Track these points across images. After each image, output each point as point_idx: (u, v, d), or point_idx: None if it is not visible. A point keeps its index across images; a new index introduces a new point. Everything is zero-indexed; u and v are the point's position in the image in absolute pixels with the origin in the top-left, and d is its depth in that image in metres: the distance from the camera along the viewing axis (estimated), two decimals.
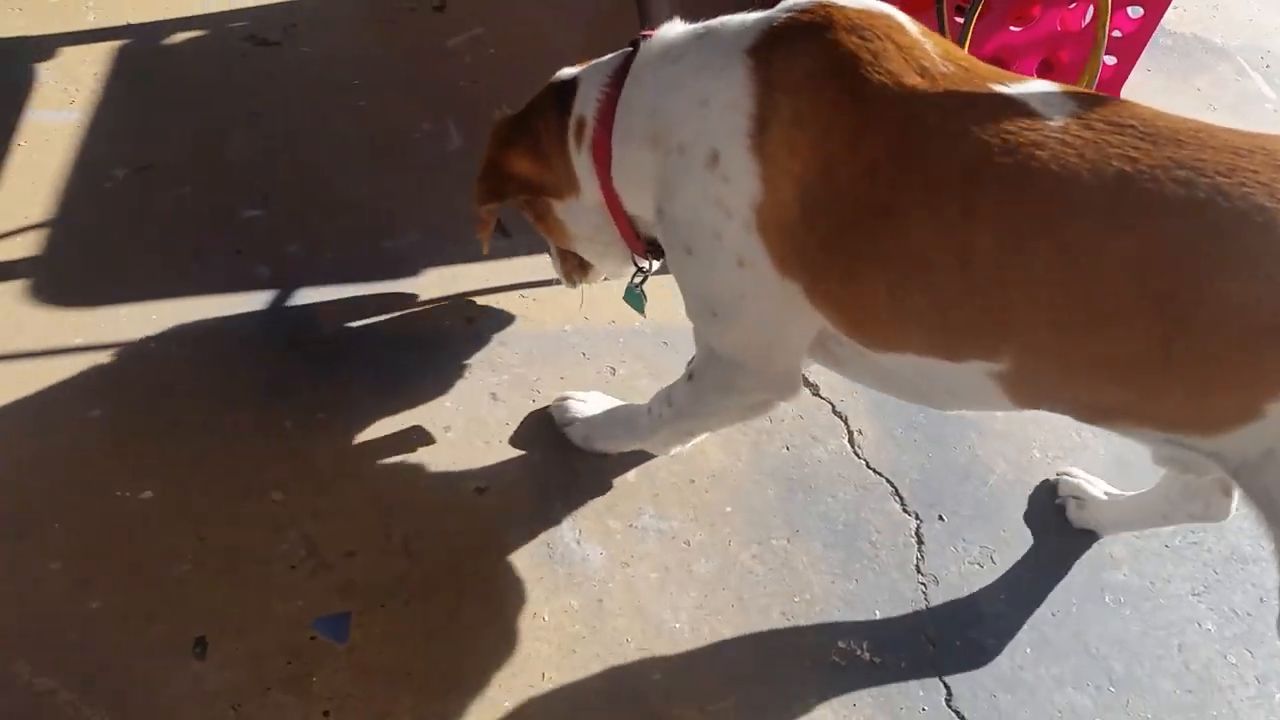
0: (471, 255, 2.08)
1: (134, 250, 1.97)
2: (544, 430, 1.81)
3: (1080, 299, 1.15)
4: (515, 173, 1.57)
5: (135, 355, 1.80)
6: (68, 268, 1.92)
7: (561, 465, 1.77)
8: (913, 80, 1.23)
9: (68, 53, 2.33)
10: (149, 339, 1.83)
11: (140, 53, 2.37)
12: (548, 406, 1.84)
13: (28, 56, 2.30)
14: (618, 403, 1.80)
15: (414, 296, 1.99)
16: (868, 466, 1.87)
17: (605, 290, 2.03)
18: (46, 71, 2.28)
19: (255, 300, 1.92)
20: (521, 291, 2.04)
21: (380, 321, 1.94)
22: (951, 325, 1.24)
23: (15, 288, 1.87)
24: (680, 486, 1.78)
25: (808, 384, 1.98)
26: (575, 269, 1.80)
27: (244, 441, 1.71)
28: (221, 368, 1.81)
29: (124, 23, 2.44)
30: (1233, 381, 1.14)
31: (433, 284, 2.02)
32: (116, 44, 2.38)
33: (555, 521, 1.70)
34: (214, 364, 1.81)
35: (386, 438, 1.76)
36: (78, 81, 2.26)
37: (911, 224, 1.21)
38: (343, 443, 1.74)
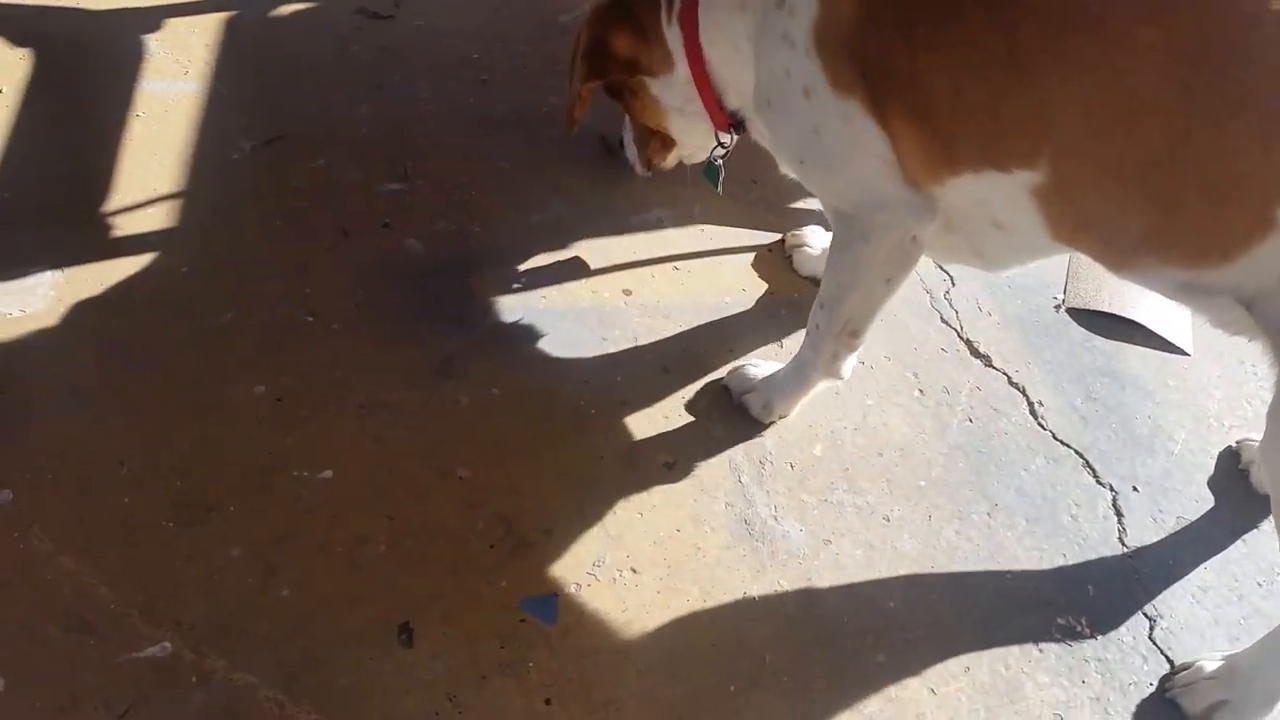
0: (620, 227, 1.99)
1: (275, 224, 1.87)
2: (718, 402, 1.73)
3: (1110, 89, 1.20)
4: (616, 51, 1.64)
5: (291, 330, 1.70)
6: (207, 241, 1.82)
7: (744, 438, 1.69)
8: None
9: (175, 24, 2.23)
10: (305, 312, 1.73)
11: (249, 25, 2.27)
12: (722, 378, 1.75)
13: (135, 28, 2.20)
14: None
15: (570, 269, 1.89)
16: (1055, 438, 1.79)
17: (773, 261, 1.96)
18: (156, 43, 2.18)
19: (412, 275, 1.83)
20: (674, 264, 1.96)
21: (538, 295, 1.85)
22: (1001, 122, 1.29)
23: (153, 263, 1.77)
24: (869, 459, 1.70)
25: (978, 354, 1.90)
26: (656, 150, 1.86)
27: (419, 419, 1.62)
28: (385, 344, 1.71)
29: None
30: (1246, 180, 1.19)
31: (584, 256, 1.93)
32: (224, 15, 2.28)
33: (748, 497, 1.61)
34: (376, 340, 1.71)
35: (563, 412, 1.67)
36: (189, 53, 2.16)
37: (966, 9, 1.27)
38: (520, 418, 1.65)
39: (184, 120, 2.02)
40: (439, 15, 2.40)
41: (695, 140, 1.80)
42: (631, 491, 1.58)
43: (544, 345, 1.76)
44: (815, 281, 1.94)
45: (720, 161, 1.80)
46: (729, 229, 2.04)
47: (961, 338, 1.93)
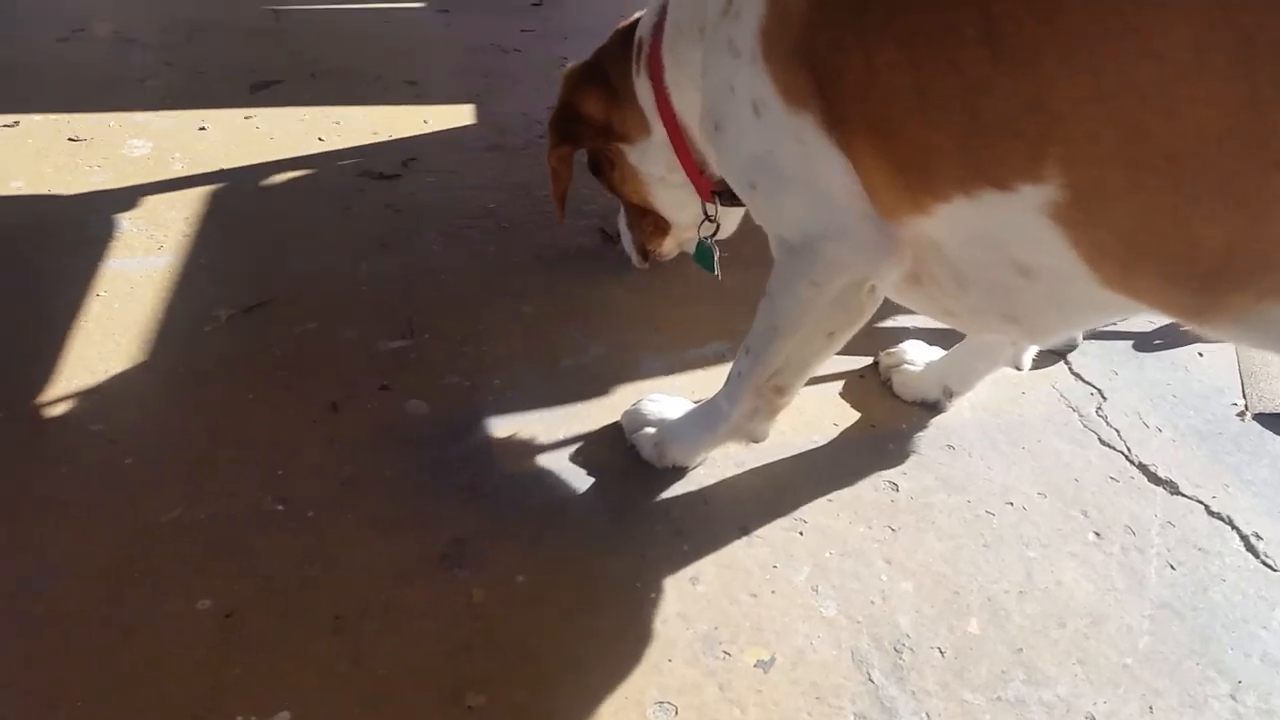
0: (672, 366, 1.61)
1: (247, 398, 1.51)
2: (829, 566, 1.27)
3: (1131, 59, 0.86)
4: (588, 114, 1.52)
5: (254, 523, 1.30)
6: (160, 426, 1.46)
7: (868, 618, 1.22)
8: None
9: (153, 201, 1.98)
10: (273, 500, 1.34)
11: (237, 195, 2.02)
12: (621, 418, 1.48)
13: (107, 209, 1.95)
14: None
15: (614, 420, 1.50)
16: None
17: (864, 390, 1.55)
18: (129, 221, 1.92)
19: (414, 442, 1.44)
20: None
21: (573, 453, 1.44)
22: (986, 123, 0.96)
23: (90, 456, 1.40)
24: (1047, 633, 1.21)
25: (1159, 480, 1.43)
26: (650, 235, 1.70)
27: (417, 625, 1.18)
28: (375, 530, 1.30)
29: (216, 168, 2.10)
30: None
31: (629, 402, 1.53)
32: (209, 189, 2.03)
33: (887, 703, 1.13)
34: (364, 526, 1.31)
35: (612, 600, 1.22)
36: (166, 228, 1.90)
37: None
38: (554, 613, 1.20)
39: (152, 295, 1.71)
40: (452, 170, 2.14)
41: (688, 216, 1.59)
42: (715, 707, 1.11)
43: (584, 515, 1.34)
44: (925, 405, 1.52)
45: (711, 240, 1.54)
46: None
47: (1132, 461, 1.47)
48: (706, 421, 1.37)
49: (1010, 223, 1.00)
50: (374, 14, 2.93)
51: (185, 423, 1.47)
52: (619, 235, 1.78)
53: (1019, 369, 1.49)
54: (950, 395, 1.51)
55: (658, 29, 1.39)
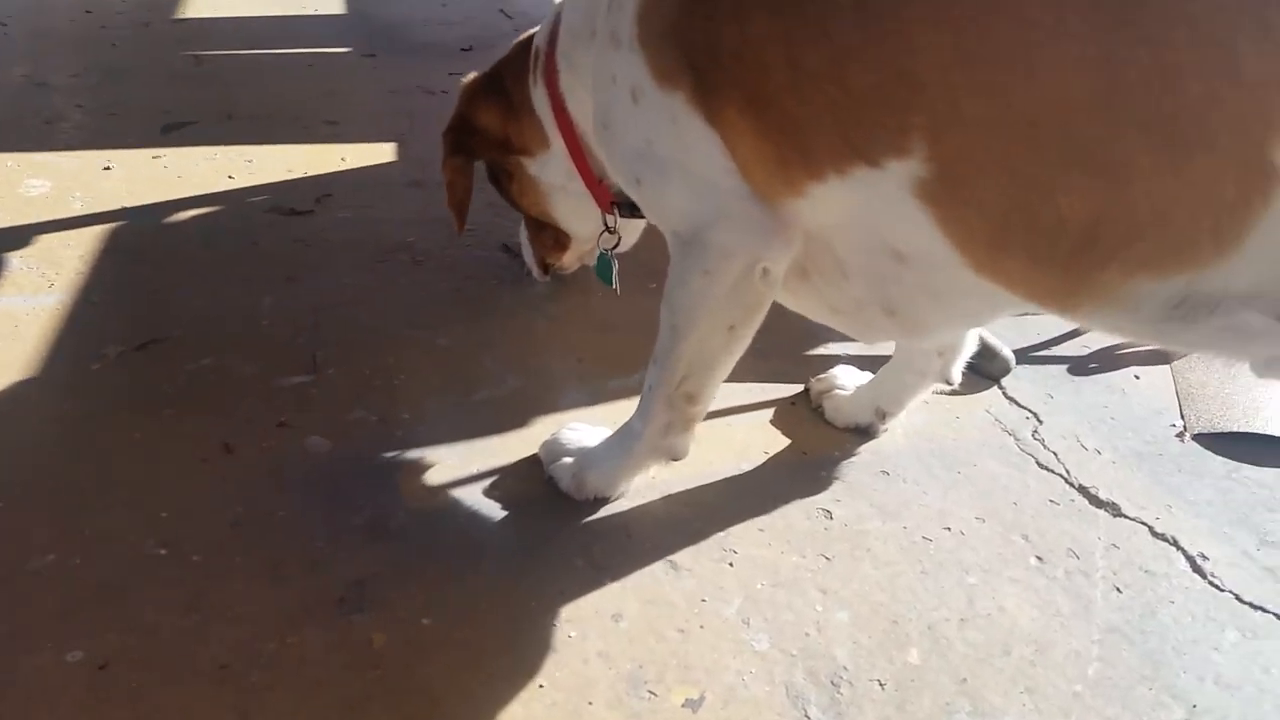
0: (596, 396, 1.53)
1: (132, 438, 1.40)
2: (761, 600, 1.19)
3: (991, 17, 0.85)
4: (483, 126, 1.49)
5: (133, 570, 1.19)
6: (31, 470, 1.34)
7: (803, 650, 1.13)
8: None
9: (47, 239, 1.87)
10: (156, 544, 1.23)
11: (138, 233, 1.92)
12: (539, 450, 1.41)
13: None
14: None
15: (533, 453, 1.41)
16: (1240, 600, 1.25)
17: (795, 417, 1.48)
18: (19, 260, 1.80)
19: (312, 481, 1.34)
20: None
21: (488, 488, 1.35)
22: (854, 94, 0.94)
23: None
24: (992, 661, 1.14)
25: (1100, 502, 1.38)
26: (549, 248, 1.65)
27: (310, 673, 1.07)
28: (267, 574, 1.19)
29: (118, 207, 2.00)
30: (1225, 112, 0.78)
31: (550, 433, 1.44)
32: (109, 226, 1.92)
33: None
34: (255, 570, 1.20)
35: (529, 641, 1.12)
36: (58, 265, 1.78)
37: None
38: (463, 658, 1.10)
39: (38, 335, 1.60)
40: (369, 206, 2.06)
41: (588, 228, 1.54)
42: None
43: (498, 552, 1.25)
44: (858, 430, 1.45)
45: (611, 253, 1.49)
46: (736, 384, 1.56)
47: (1072, 484, 1.42)
48: (623, 445, 1.30)
49: (881, 202, 0.99)
50: (297, 59, 2.87)
51: (64, 466, 1.35)
52: (512, 248, 1.79)
53: (949, 383, 1.43)
54: (883, 417, 1.45)
55: (553, 36, 1.35)
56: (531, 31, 1.46)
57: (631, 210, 1.40)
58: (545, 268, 1.69)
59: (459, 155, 1.52)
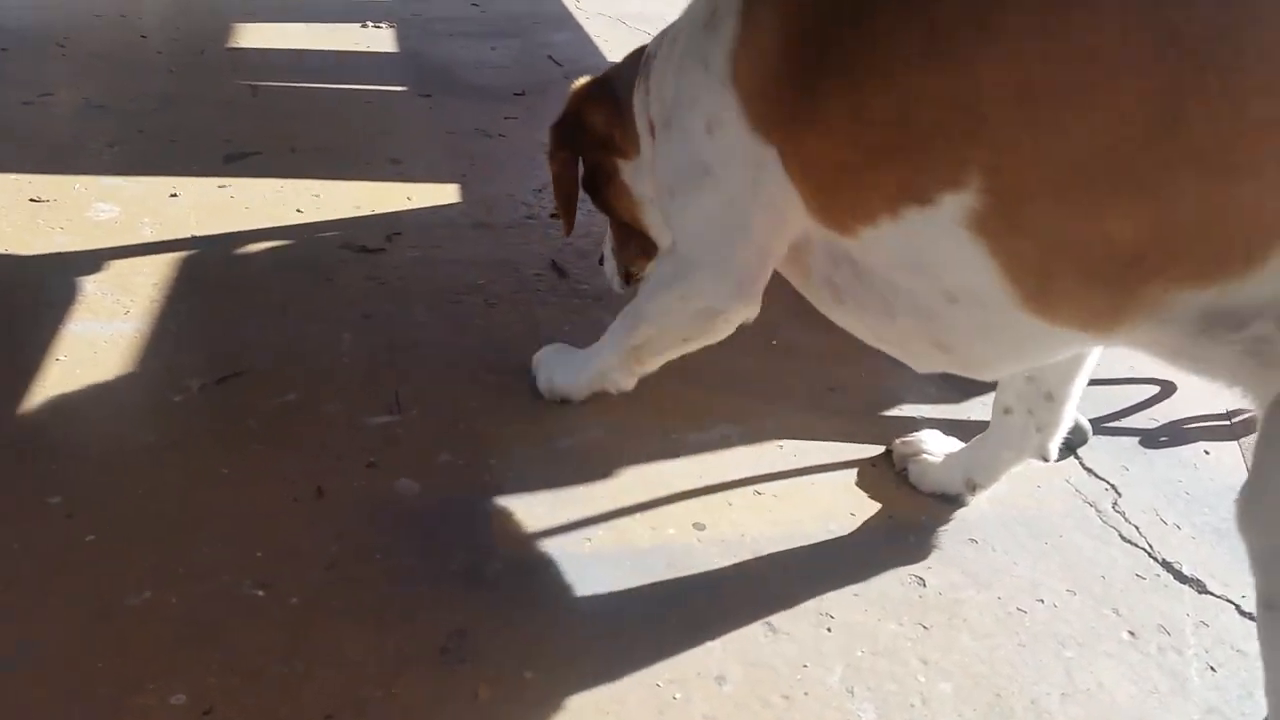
0: (676, 449, 1.53)
1: (221, 473, 1.39)
2: (858, 660, 1.18)
3: (1053, 53, 0.91)
4: (590, 124, 1.52)
5: (232, 610, 1.18)
6: (124, 501, 1.34)
7: (904, 719, 1.12)
8: None
9: (119, 265, 1.88)
10: (253, 585, 1.22)
11: (210, 263, 1.92)
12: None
13: (70, 271, 1.83)
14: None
15: (622, 505, 1.41)
16: None
17: (879, 478, 1.49)
18: (93, 285, 1.80)
19: (403, 525, 1.33)
20: (755, 488, 1.47)
21: (580, 537, 1.35)
22: (914, 132, 1.00)
23: (47, 531, 1.27)
24: None
25: (1184, 578, 1.38)
26: (635, 257, 1.65)
27: None
28: (368, 619, 1.18)
29: (188, 235, 2.00)
30: (1260, 139, 0.83)
31: (635, 486, 1.45)
32: (180, 254, 1.93)
33: None
34: (355, 615, 1.19)
35: (632, 701, 1.11)
36: (132, 292, 1.79)
37: (878, 13, 1.03)
38: (567, 716, 1.09)
39: (117, 362, 1.60)
40: (438, 246, 2.06)
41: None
42: None
43: (594, 605, 1.24)
44: (945, 498, 1.45)
45: None
46: (814, 443, 1.57)
47: (1155, 558, 1.42)
48: (584, 364, 1.54)
49: (931, 237, 1.02)
50: (353, 94, 2.89)
51: (152, 498, 1.34)
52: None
53: (1046, 460, 1.43)
54: (974, 488, 1.45)
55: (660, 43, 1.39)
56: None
57: None
58: (628, 277, 1.69)
59: (566, 149, 1.55)
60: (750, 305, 1.31)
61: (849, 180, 1.09)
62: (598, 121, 1.51)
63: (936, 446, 1.51)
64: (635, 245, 1.63)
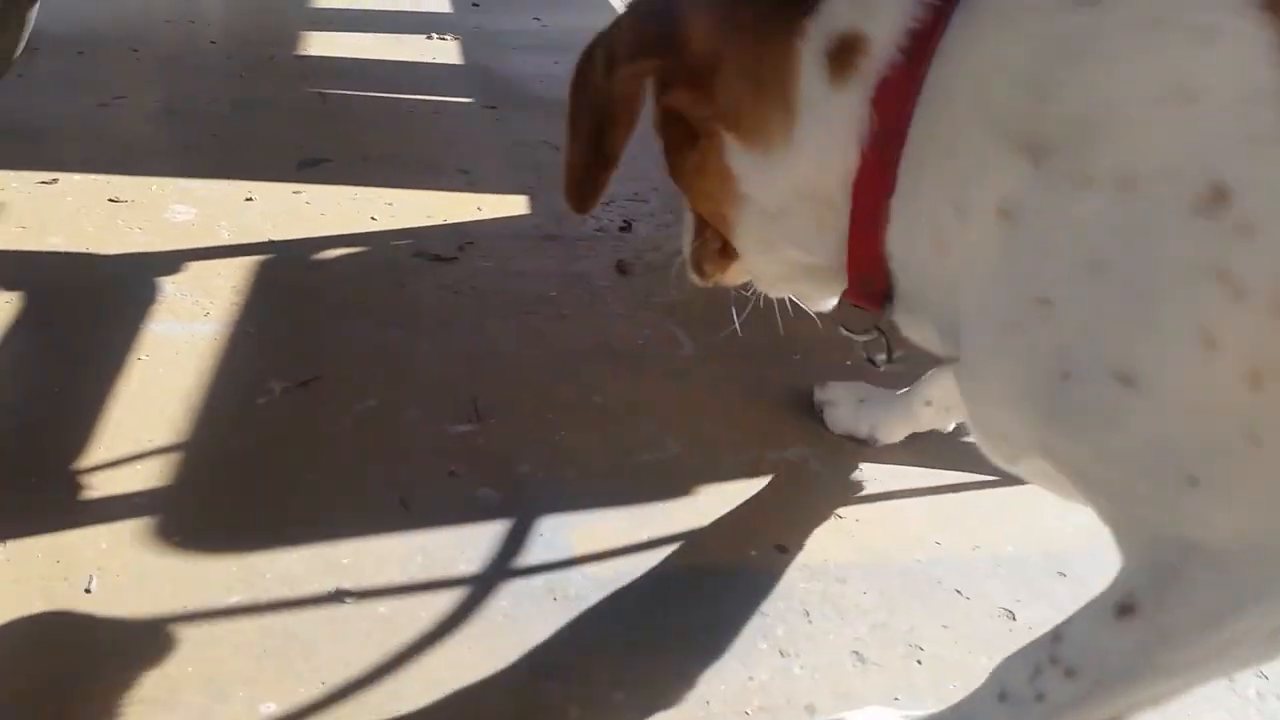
0: (753, 467, 1.52)
1: (306, 477, 1.39)
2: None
3: None
4: (691, 43, 0.90)
5: (321, 620, 1.17)
6: (212, 503, 1.34)
7: None
8: None
9: (197, 267, 1.89)
10: (341, 594, 1.21)
11: (287, 266, 1.93)
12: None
13: (150, 271, 1.85)
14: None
15: (703, 523, 1.39)
16: None
17: (962, 505, 1.46)
18: (173, 285, 1.82)
19: (486, 536, 1.32)
20: (838, 511, 1.45)
21: (662, 556, 1.33)
22: None
23: (133, 531, 1.28)
24: None
25: None
26: (710, 255, 1.14)
27: None
28: (474, 636, 1.17)
29: (265, 239, 2.01)
30: None
31: (715, 504, 1.43)
32: (257, 258, 1.94)
33: None
34: (448, 629, 1.18)
35: None
36: (212, 295, 1.80)
37: None
38: None
39: (199, 363, 1.60)
40: (509, 257, 2.06)
41: (771, 275, 1.11)
42: None
43: (678, 626, 1.22)
44: (853, 439, 1.58)
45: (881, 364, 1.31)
46: (894, 467, 1.55)
47: None
48: None
49: None
50: (422, 104, 2.91)
51: (238, 502, 1.34)
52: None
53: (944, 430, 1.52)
54: (875, 442, 1.56)
55: (920, 52, 0.82)
56: None
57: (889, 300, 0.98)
58: (700, 269, 1.19)
59: (644, 58, 0.94)
60: None
61: None
62: (705, 47, 0.90)
63: (853, 394, 1.59)
64: (714, 241, 1.12)
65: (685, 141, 0.99)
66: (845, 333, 1.18)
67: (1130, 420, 0.77)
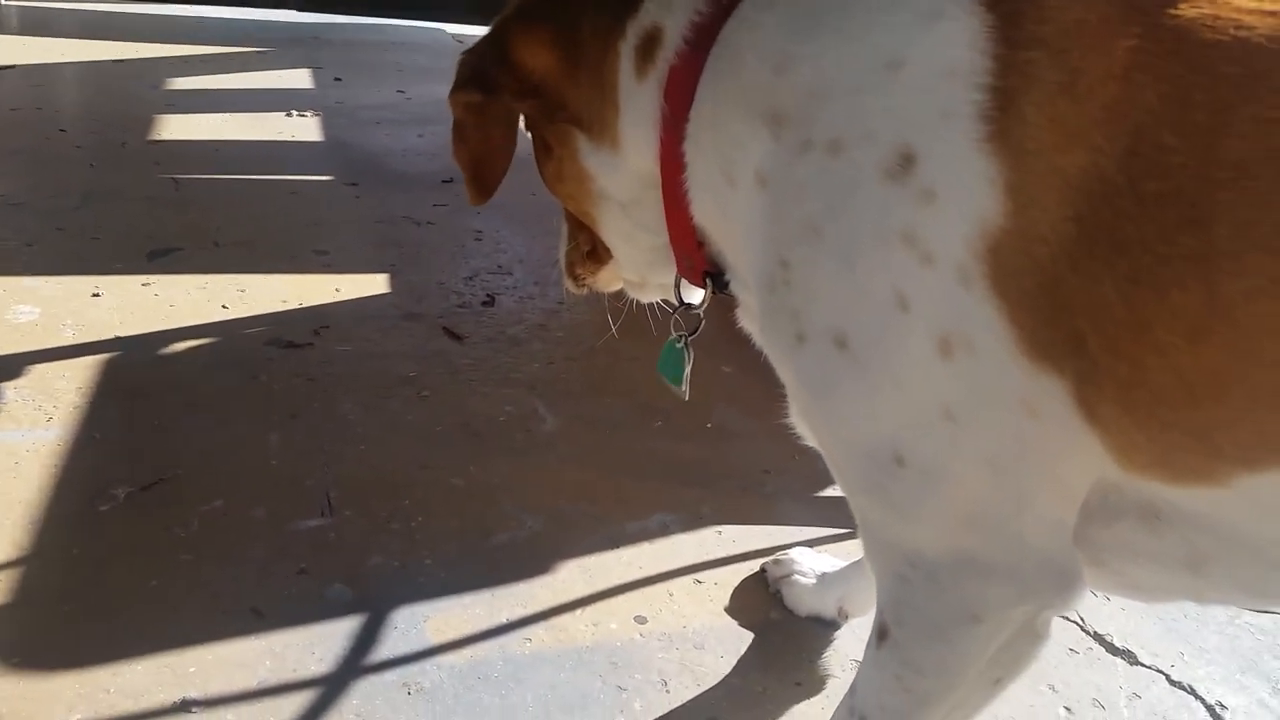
0: (614, 540, 1.53)
1: (150, 585, 1.35)
2: None
3: None
4: (524, 62, 0.99)
5: None
6: (55, 616, 1.29)
7: None
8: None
9: (41, 370, 1.83)
10: (187, 703, 1.18)
11: (134, 365, 1.89)
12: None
13: None
14: None
15: (562, 601, 1.40)
16: None
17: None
18: (13, 391, 1.76)
19: (338, 633, 1.31)
20: (695, 576, 1.48)
21: (519, 637, 1.33)
22: None
23: None
24: None
25: (1116, 650, 1.42)
26: (582, 258, 1.19)
27: None
28: None
29: (111, 336, 1.97)
30: None
31: (574, 580, 1.45)
32: (103, 357, 1.89)
33: None
34: None
35: None
36: (55, 398, 1.74)
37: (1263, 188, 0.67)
38: None
39: (40, 471, 1.55)
40: (367, 338, 2.06)
41: (638, 263, 1.12)
42: None
43: (538, 709, 1.23)
44: (819, 620, 1.41)
45: (685, 344, 1.13)
46: (751, 528, 1.59)
47: (1088, 631, 1.46)
48: None
49: None
50: (279, 185, 2.89)
51: (80, 616, 1.30)
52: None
53: None
54: (846, 617, 1.39)
55: (700, 41, 0.91)
56: None
57: (722, 285, 1.02)
58: (574, 275, 1.24)
59: (474, 89, 1.01)
60: (1078, 580, 0.82)
61: (1215, 404, 0.72)
62: (538, 61, 0.99)
63: (808, 565, 1.45)
64: (584, 242, 1.18)
65: (541, 149, 1.08)
66: (674, 334, 1.17)
67: (845, 384, 0.81)
